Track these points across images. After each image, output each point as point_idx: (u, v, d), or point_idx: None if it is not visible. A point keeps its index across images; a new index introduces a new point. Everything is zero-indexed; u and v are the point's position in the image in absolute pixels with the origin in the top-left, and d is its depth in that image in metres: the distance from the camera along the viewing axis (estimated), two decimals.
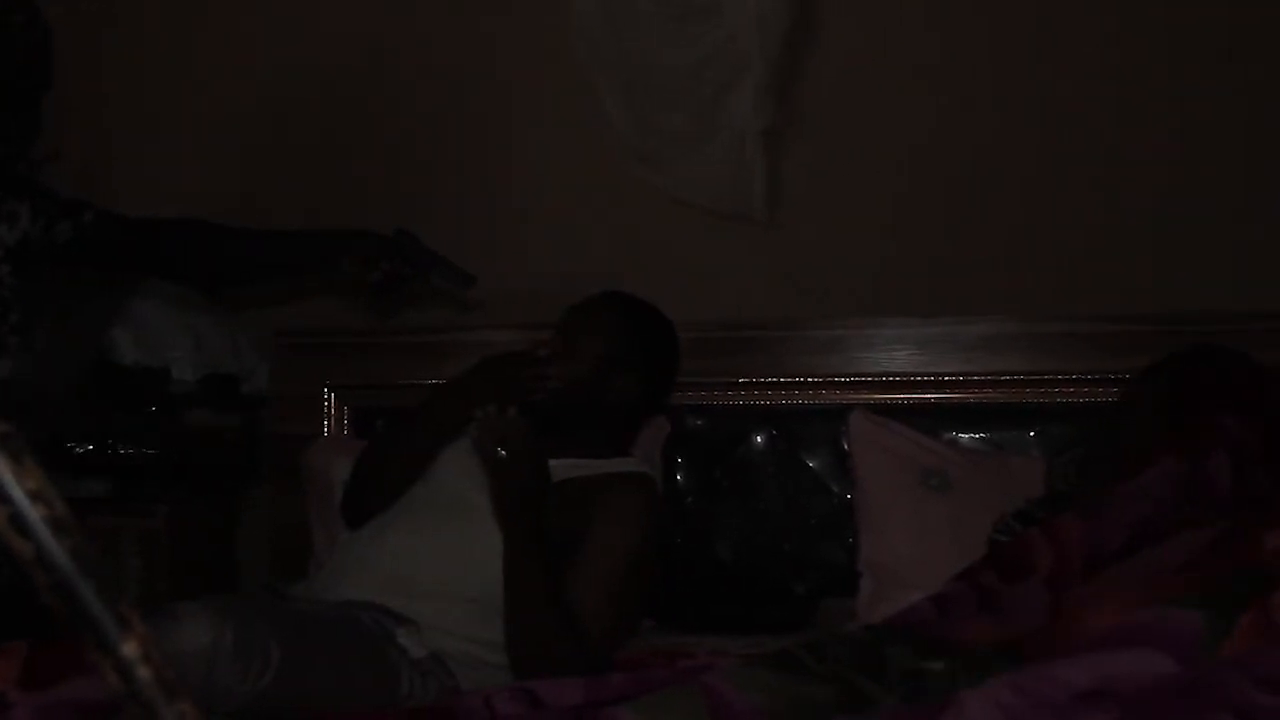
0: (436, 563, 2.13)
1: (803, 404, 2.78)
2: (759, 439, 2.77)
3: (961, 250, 2.80)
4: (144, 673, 0.61)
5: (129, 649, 0.61)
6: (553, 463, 2.14)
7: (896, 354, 2.77)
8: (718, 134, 2.78)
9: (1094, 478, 2.27)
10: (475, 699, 1.67)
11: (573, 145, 2.92)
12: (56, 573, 0.61)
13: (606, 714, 1.55)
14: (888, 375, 2.77)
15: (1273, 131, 2.69)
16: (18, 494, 0.61)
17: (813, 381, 2.79)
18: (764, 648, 1.95)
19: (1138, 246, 2.73)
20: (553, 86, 2.93)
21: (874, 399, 2.74)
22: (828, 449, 2.73)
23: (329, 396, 2.88)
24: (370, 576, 2.15)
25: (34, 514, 0.61)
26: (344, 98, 3.03)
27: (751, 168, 2.78)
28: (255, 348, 2.99)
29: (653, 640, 2.27)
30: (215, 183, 3.02)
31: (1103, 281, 2.74)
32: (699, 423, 2.73)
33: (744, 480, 2.75)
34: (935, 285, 2.80)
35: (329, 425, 2.88)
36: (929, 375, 2.75)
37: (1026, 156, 2.78)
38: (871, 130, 2.83)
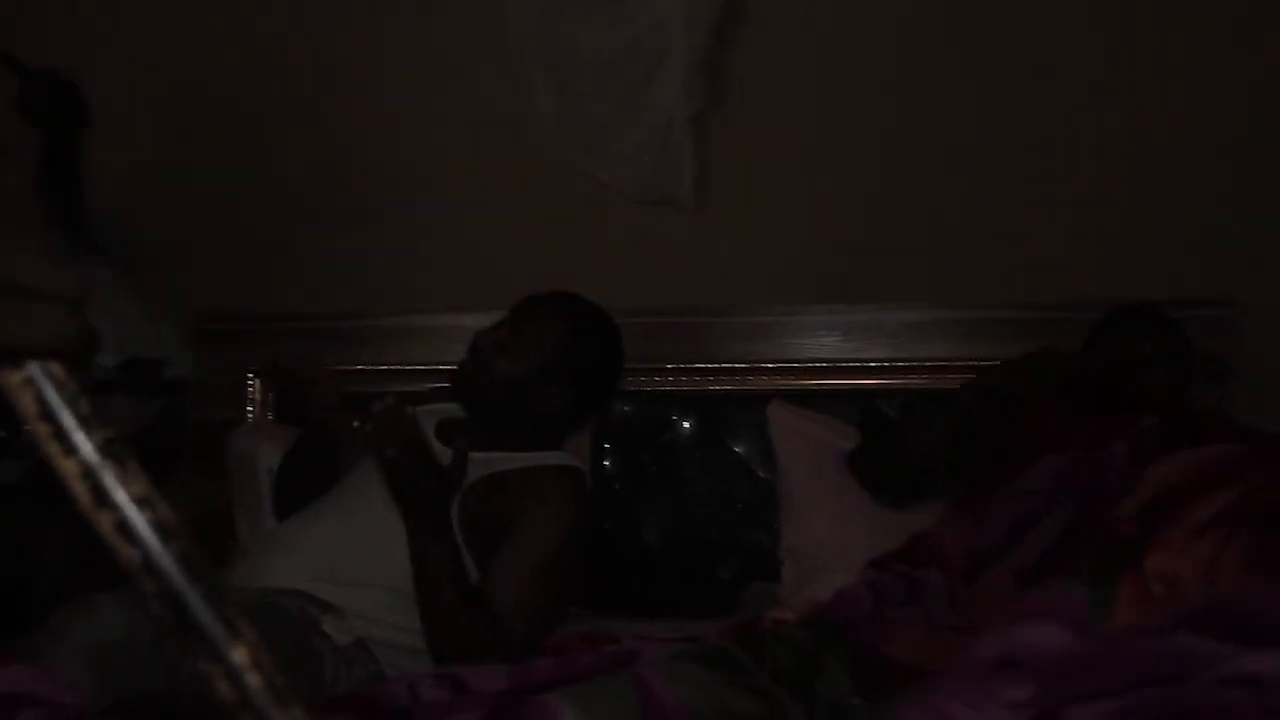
0: (364, 551, 2.12)
1: (729, 390, 2.80)
2: (686, 425, 2.78)
3: (888, 237, 2.82)
4: (254, 680, 0.60)
5: (239, 656, 0.60)
6: (484, 455, 2.16)
7: (823, 340, 2.79)
8: (645, 120, 2.78)
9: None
10: (399, 685, 1.66)
11: (499, 130, 2.91)
12: (164, 579, 0.59)
13: (537, 701, 1.55)
14: (814, 361, 2.79)
15: (1200, 122, 2.73)
16: (123, 499, 0.59)
17: (739, 368, 2.81)
18: (688, 632, 1.96)
19: (1062, 234, 2.77)
20: (480, 71, 2.91)
21: (800, 385, 2.77)
22: (754, 435, 2.75)
23: (253, 381, 2.85)
24: (297, 564, 2.14)
25: (141, 520, 0.59)
26: (263, 83, 2.99)
27: (679, 154, 2.78)
28: (177, 332, 2.95)
29: (578, 625, 2.27)
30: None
31: (1027, 268, 2.78)
32: (626, 409, 2.73)
33: (670, 466, 2.76)
34: (862, 272, 2.82)
35: (253, 410, 2.85)
36: (855, 361, 2.78)
37: (954, 143, 2.81)
38: (799, 116, 2.84)
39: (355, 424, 1.96)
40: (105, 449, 0.60)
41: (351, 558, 2.13)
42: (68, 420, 0.60)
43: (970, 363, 2.73)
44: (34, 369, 0.60)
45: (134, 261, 2.83)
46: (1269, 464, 1.75)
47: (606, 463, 2.77)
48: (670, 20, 2.72)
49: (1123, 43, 2.76)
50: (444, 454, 2.07)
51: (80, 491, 0.60)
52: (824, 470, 2.61)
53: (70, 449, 0.60)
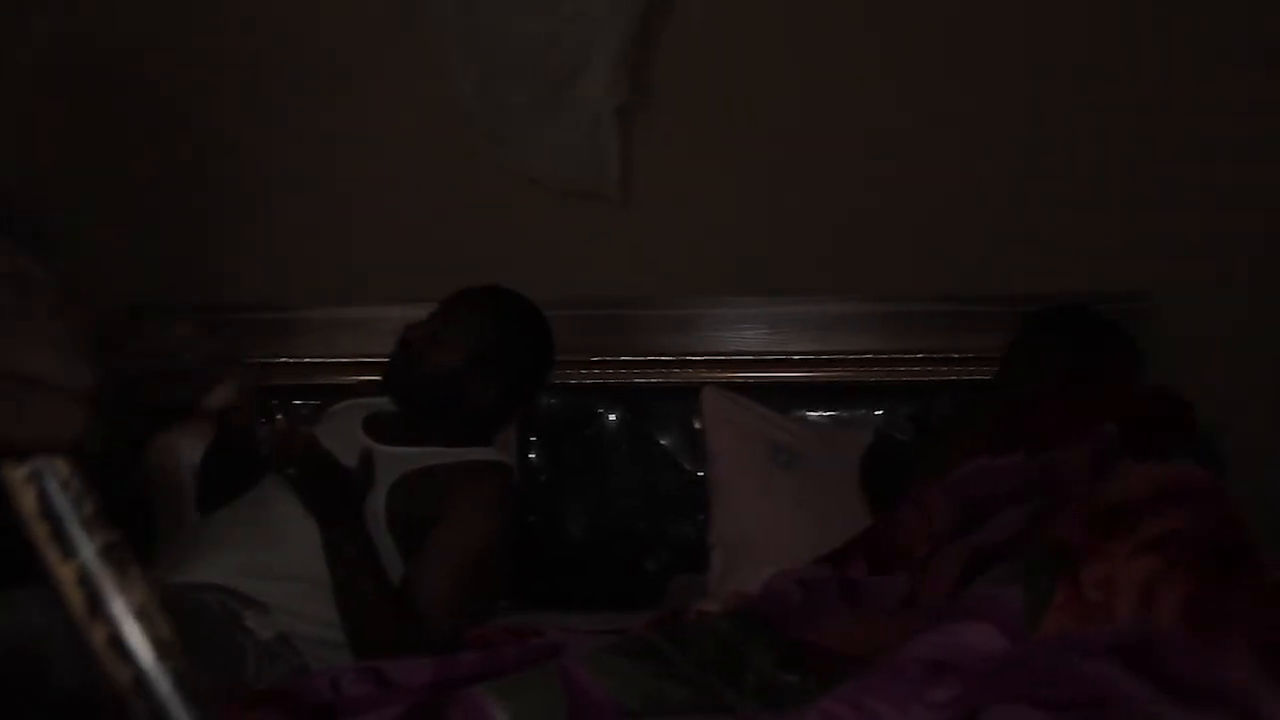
0: (286, 546, 2.11)
1: (655, 382, 2.81)
2: (612, 417, 2.78)
3: (813, 230, 2.84)
4: None
5: None
6: (411, 450, 2.18)
7: (748, 333, 2.81)
8: (570, 111, 2.77)
9: (978, 413, 2.34)
10: (321, 680, 1.65)
11: (422, 121, 2.89)
12: (156, 702, 0.56)
13: (462, 695, 1.54)
14: (740, 354, 2.81)
15: (1120, 119, 2.77)
16: (120, 611, 0.56)
17: (665, 360, 2.82)
18: (614, 624, 1.97)
19: (986, 228, 2.80)
20: (401, 60, 2.89)
21: (726, 378, 2.78)
22: (680, 427, 2.76)
23: None
24: (220, 559, 2.12)
25: (137, 636, 0.56)
26: (171, 73, 2.93)
27: (604, 146, 2.78)
28: (96, 324, 2.89)
29: (504, 618, 2.27)
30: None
31: (951, 262, 2.81)
32: (552, 401, 2.73)
33: (597, 458, 2.77)
34: (788, 265, 2.84)
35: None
36: (780, 354, 2.80)
37: (879, 137, 2.82)
38: (725, 109, 2.85)
39: (256, 442, 1.99)
40: (106, 553, 0.57)
41: (274, 552, 2.11)
42: (70, 521, 0.57)
43: (895, 355, 2.77)
44: (39, 464, 0.57)
45: (51, 254, 2.77)
46: (1219, 495, 1.78)
47: (532, 455, 2.76)
48: (595, 11, 2.72)
49: (1045, 39, 2.79)
50: (386, 453, 2.10)
51: (74, 599, 0.57)
52: (755, 459, 2.63)
53: (69, 552, 0.57)
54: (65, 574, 0.57)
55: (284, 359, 2.86)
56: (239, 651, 1.96)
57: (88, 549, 0.57)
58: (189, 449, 2.44)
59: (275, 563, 2.10)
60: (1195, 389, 2.28)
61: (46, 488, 0.57)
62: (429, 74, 2.84)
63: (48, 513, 0.57)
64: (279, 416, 2.03)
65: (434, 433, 2.26)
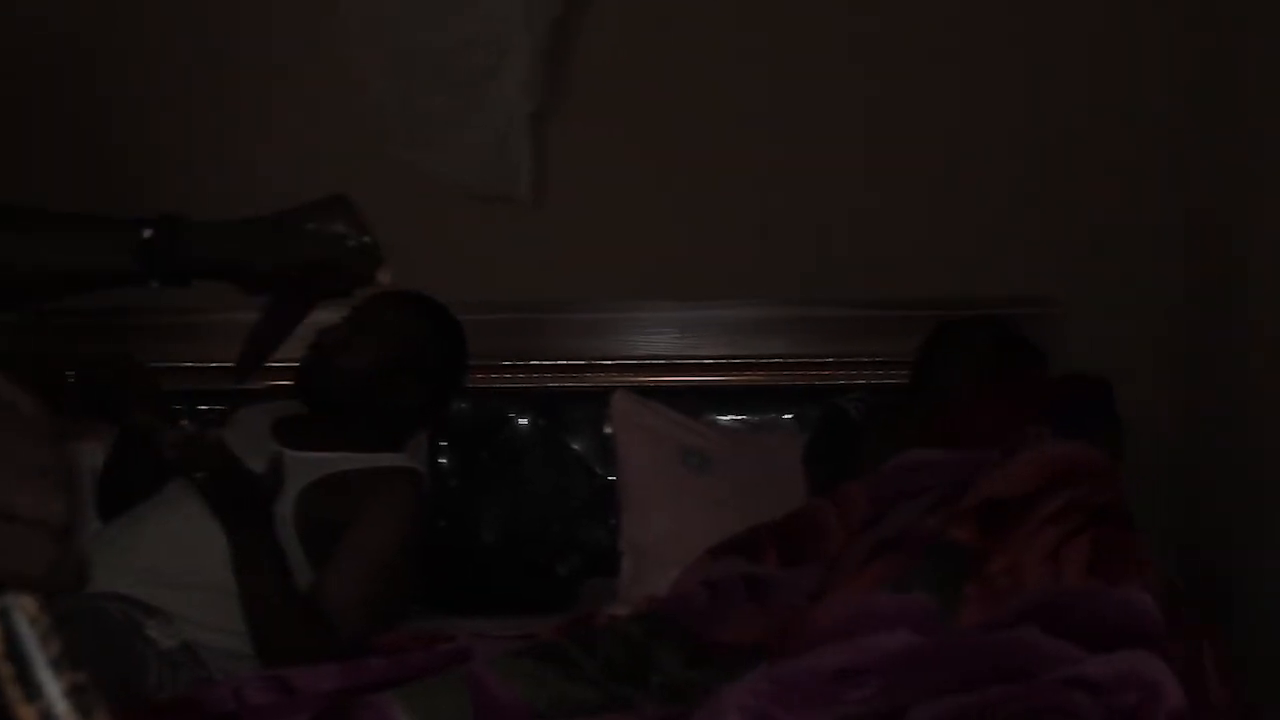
0: (190, 553, 2.08)
1: (567, 386, 2.81)
2: (523, 421, 2.78)
3: (725, 234, 2.85)
4: None
5: None
6: (321, 455, 2.17)
7: (660, 337, 2.81)
8: (483, 114, 2.76)
9: (898, 419, 2.36)
10: (224, 688, 1.63)
11: (334, 123, 2.86)
12: None
13: (367, 701, 1.53)
14: (652, 358, 2.81)
15: (1038, 122, 2.81)
16: None
17: (577, 364, 2.82)
18: (525, 629, 1.96)
19: (896, 234, 2.83)
20: (313, 63, 2.86)
21: (638, 381, 2.78)
22: (591, 431, 2.77)
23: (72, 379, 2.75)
24: (122, 567, 2.09)
25: None
26: (76, 76, 2.88)
27: (517, 150, 2.77)
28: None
29: (414, 623, 2.25)
30: None
31: (864, 266, 2.83)
32: (463, 405, 2.71)
33: (508, 462, 2.76)
34: (700, 269, 2.84)
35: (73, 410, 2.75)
36: (692, 358, 2.81)
37: (791, 141, 2.84)
38: (640, 113, 2.85)
39: (161, 446, 1.95)
40: (72, 695, 0.55)
41: (178, 560, 2.09)
42: (36, 662, 0.55)
43: (806, 359, 2.79)
44: (6, 600, 0.55)
45: None
46: (1108, 473, 1.82)
47: (443, 460, 2.75)
48: (510, 14, 2.71)
49: (960, 43, 2.83)
50: (296, 458, 2.09)
51: None
52: (666, 463, 2.64)
53: (33, 693, 0.55)
54: (26, 716, 0.55)
55: (188, 363, 2.82)
56: (140, 661, 1.94)
57: (54, 691, 0.55)
58: (89, 454, 2.39)
59: (180, 570, 2.07)
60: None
61: (14, 626, 0.55)
62: (341, 76, 2.81)
63: (13, 653, 0.55)
64: (184, 421, 1.99)
65: (345, 438, 2.24)
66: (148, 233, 1.37)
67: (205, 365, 2.82)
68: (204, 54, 2.89)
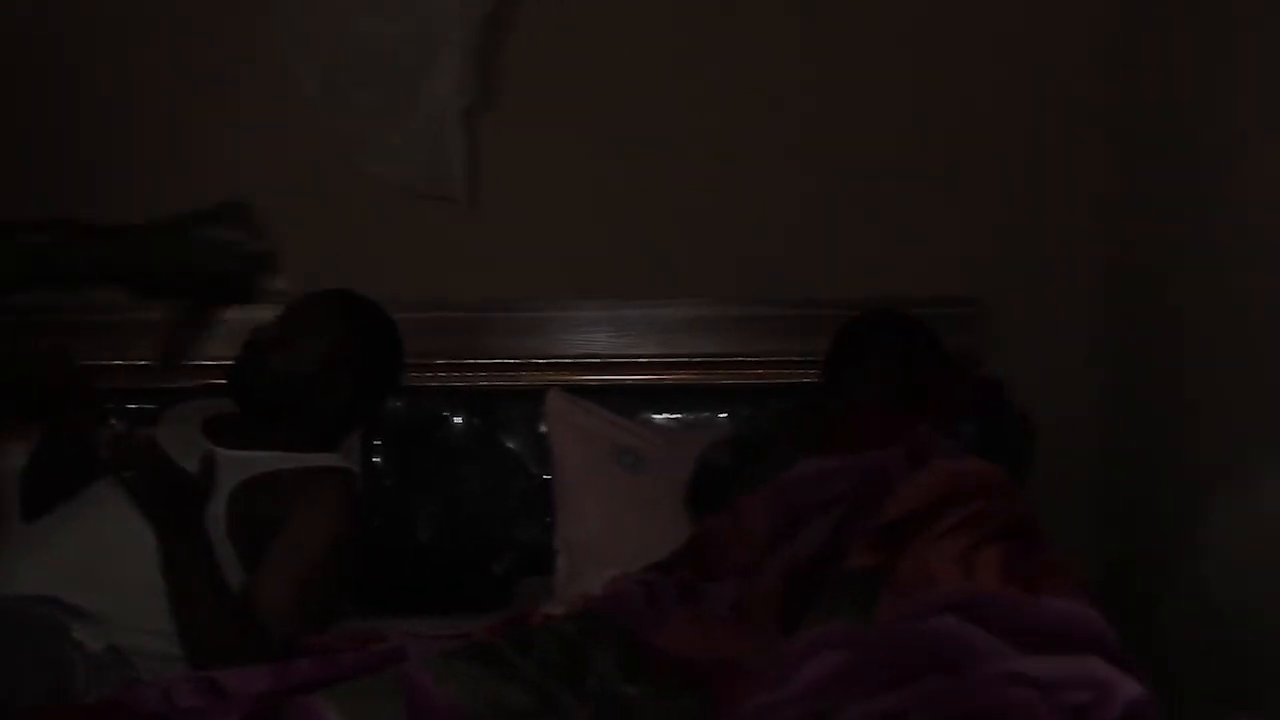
0: (118, 554, 2.06)
1: (502, 385, 2.80)
2: (458, 420, 2.77)
3: (659, 234, 2.86)
4: None
5: None
6: (254, 454, 2.15)
7: (595, 336, 2.82)
8: (417, 112, 2.75)
9: (801, 425, 2.38)
10: (152, 690, 1.61)
11: (268, 120, 2.83)
12: None
13: (298, 703, 1.52)
14: (587, 357, 2.82)
15: (954, 126, 2.85)
16: None
17: (512, 363, 2.82)
18: (460, 629, 1.96)
19: (826, 234, 2.85)
20: (248, 61, 2.83)
21: (573, 380, 2.79)
22: (526, 430, 2.76)
23: None
24: (47, 569, 2.07)
25: None
26: (13, 75, 2.84)
27: (451, 147, 2.76)
28: None
29: (348, 623, 2.24)
30: None
31: (793, 267, 2.85)
32: (398, 404, 2.70)
33: (443, 461, 2.75)
34: (634, 268, 2.85)
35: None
36: (627, 357, 2.82)
37: (722, 144, 2.85)
38: (573, 111, 2.85)
39: (89, 444, 1.93)
40: None
41: (105, 561, 2.07)
42: None
43: (739, 358, 2.80)
44: None
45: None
46: (1005, 486, 1.84)
47: (377, 459, 2.74)
48: (443, 11, 2.70)
49: (882, 46, 2.86)
50: (228, 457, 2.08)
51: None
52: (599, 462, 2.64)
53: None
54: None
55: (118, 361, 2.78)
56: (67, 664, 1.92)
57: None
58: (12, 453, 2.36)
59: (108, 571, 2.05)
60: (1021, 391, 2.37)
61: None
62: (274, 72, 2.79)
63: None
64: (113, 419, 1.97)
65: (278, 437, 2.23)
66: (39, 238, 1.34)
67: (134, 363, 2.79)
68: (139, 54, 2.86)
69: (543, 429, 2.74)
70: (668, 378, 2.82)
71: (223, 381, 2.30)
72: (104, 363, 2.78)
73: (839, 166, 2.85)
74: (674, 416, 2.79)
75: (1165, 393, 2.52)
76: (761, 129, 2.86)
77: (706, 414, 2.78)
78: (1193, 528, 2.28)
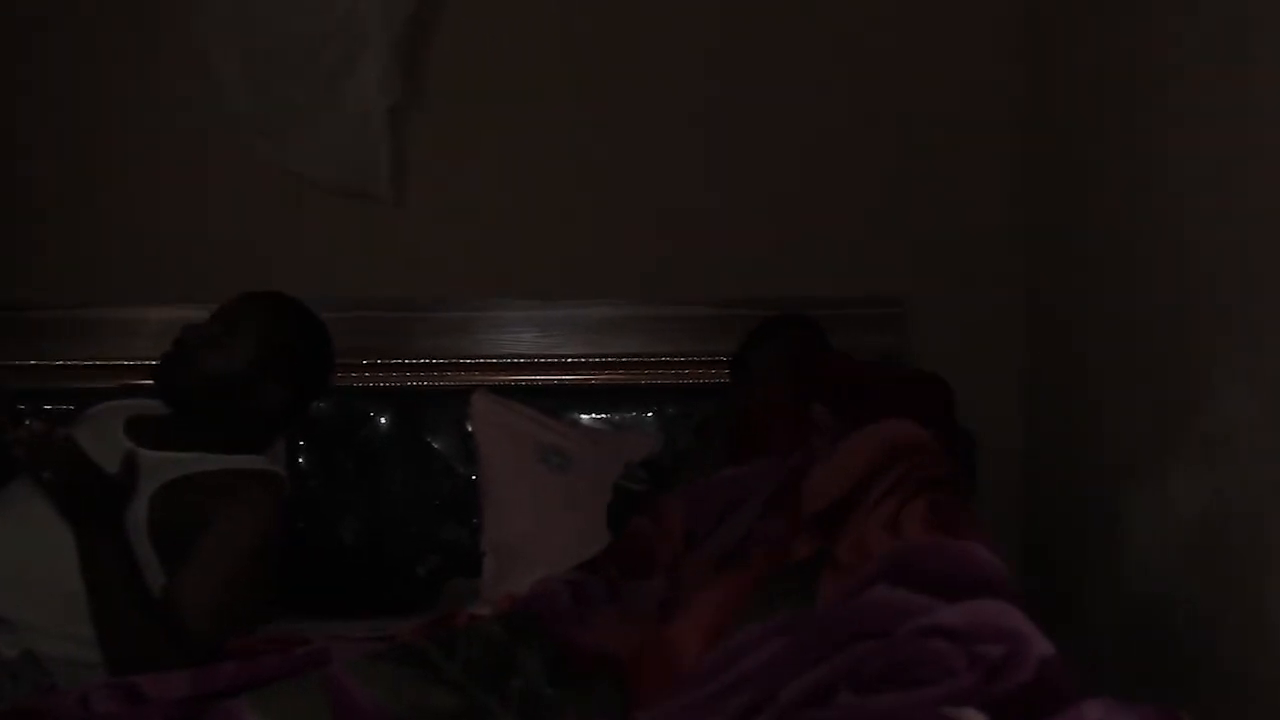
0: (35, 558, 2.02)
1: (428, 385, 2.80)
2: (383, 420, 2.76)
3: (585, 234, 2.86)
4: None
5: None
6: (177, 455, 2.12)
7: (521, 336, 2.82)
8: (341, 110, 2.73)
9: (711, 433, 2.40)
10: (69, 698, 1.58)
11: (189, 117, 2.80)
12: None
13: (220, 708, 1.50)
14: (513, 357, 2.82)
15: (875, 126, 2.88)
16: None
17: (438, 363, 2.81)
18: (385, 631, 1.95)
19: (751, 234, 2.87)
20: (170, 54, 2.80)
21: (499, 380, 2.79)
22: (453, 430, 2.75)
23: None
24: None
25: None
26: None
27: (376, 146, 2.75)
28: None
29: (271, 626, 2.22)
30: None
31: (716, 268, 2.87)
32: (322, 405, 2.68)
33: (368, 462, 2.74)
34: (560, 268, 2.86)
35: None
36: (552, 357, 2.82)
37: (650, 144, 2.87)
38: (497, 110, 2.85)
39: (4, 443, 1.89)
40: None
41: (21, 564, 2.02)
42: None
43: (665, 358, 2.82)
44: None
45: None
46: (919, 440, 1.86)
47: (301, 460, 2.71)
48: (367, 9, 2.68)
49: (806, 50, 2.88)
50: (150, 458, 2.05)
51: None
52: (525, 463, 2.64)
53: None
54: None
55: (32, 361, 2.74)
56: None
57: None
58: None
59: (25, 574, 2.01)
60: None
61: None
62: (199, 69, 2.76)
63: None
64: (29, 420, 1.93)
65: (203, 438, 2.19)
66: None
67: (50, 363, 2.76)
68: (58, 43, 2.82)
69: (469, 429, 2.73)
70: (593, 378, 2.83)
71: (145, 382, 2.26)
72: (19, 362, 2.75)
73: (762, 168, 2.87)
74: (600, 416, 2.80)
75: (1083, 391, 2.56)
76: (683, 131, 2.87)
77: (633, 413, 2.79)
78: (1109, 521, 2.31)
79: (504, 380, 2.79)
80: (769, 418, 2.23)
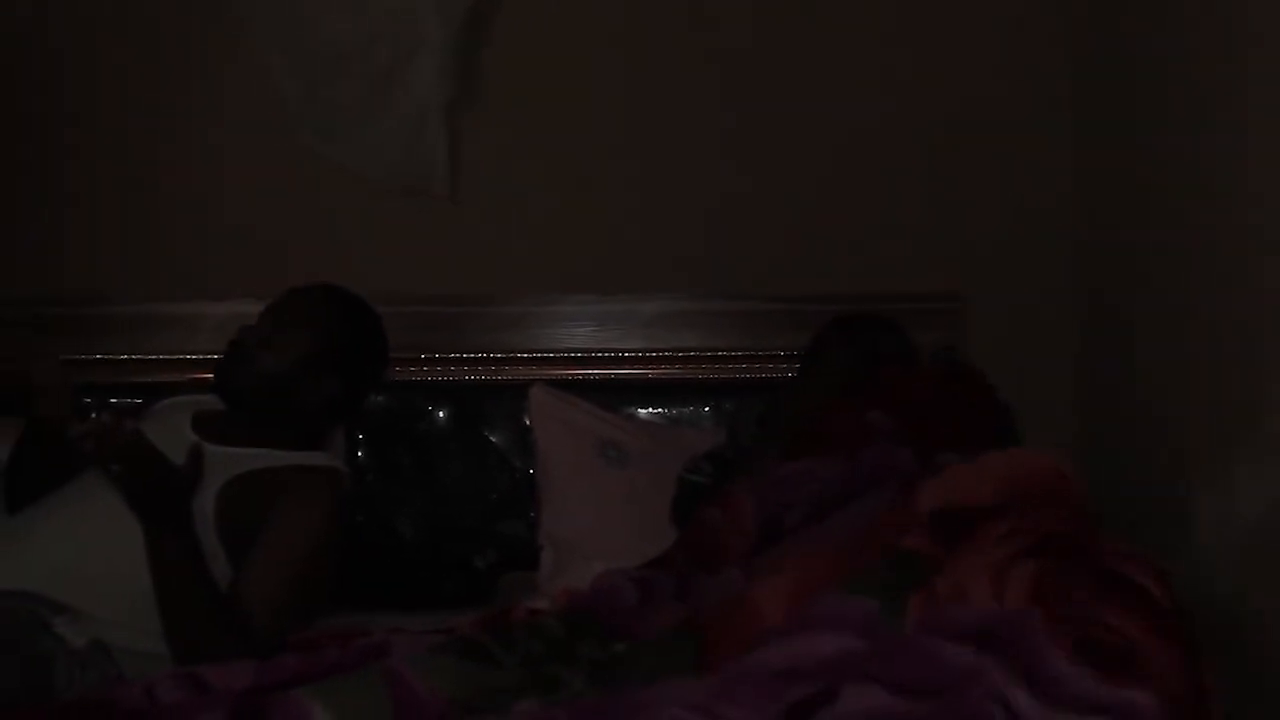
0: (103, 549, 2.04)
1: (485, 380, 2.81)
2: (441, 415, 2.77)
3: (641, 228, 2.86)
4: None
5: None
6: (242, 450, 2.15)
7: (577, 330, 2.82)
8: (397, 107, 2.74)
9: (773, 426, 2.39)
10: (136, 687, 1.60)
11: (249, 117, 2.83)
12: None
13: (283, 698, 1.52)
14: (569, 351, 2.83)
15: (934, 123, 2.86)
16: None
17: (495, 358, 2.82)
18: (444, 624, 1.96)
19: (809, 228, 2.86)
20: (226, 56, 2.83)
21: (555, 375, 2.80)
22: (510, 425, 2.76)
23: None
24: (29, 563, 2.05)
25: None
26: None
27: (432, 142, 2.76)
28: None
29: (331, 620, 2.24)
30: None
31: (775, 263, 2.86)
32: (380, 399, 2.70)
33: (426, 457, 2.75)
34: (616, 263, 2.85)
35: None
36: (609, 351, 2.82)
37: (705, 139, 2.86)
38: (555, 105, 2.85)
39: (73, 437, 1.91)
40: None
41: (89, 556, 2.05)
42: None
43: (720, 353, 2.81)
44: None
45: None
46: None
47: (360, 454, 2.73)
48: (421, 6, 2.69)
49: (856, 45, 2.86)
50: (216, 453, 2.06)
51: None
52: (583, 457, 2.64)
53: None
54: None
55: (100, 355, 2.78)
56: (46, 660, 1.90)
57: None
58: None
59: (94, 566, 2.04)
60: (1006, 386, 2.38)
61: None
62: (254, 70, 2.78)
63: None
64: (97, 414, 1.94)
65: (266, 434, 2.22)
66: None
67: (117, 358, 2.80)
68: (111, 42, 2.85)
69: (526, 423, 2.74)
70: (651, 372, 2.83)
71: (208, 376, 2.29)
72: (84, 357, 2.79)
73: (819, 164, 2.86)
74: (657, 411, 2.80)
75: (1139, 389, 2.53)
76: (738, 126, 2.86)
77: (690, 408, 2.79)
78: (1166, 521, 2.29)
79: (560, 375, 2.79)
80: (827, 417, 2.22)
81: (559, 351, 2.82)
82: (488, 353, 2.82)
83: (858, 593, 1.54)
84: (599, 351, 2.82)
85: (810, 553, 1.72)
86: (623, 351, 2.83)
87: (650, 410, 2.80)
